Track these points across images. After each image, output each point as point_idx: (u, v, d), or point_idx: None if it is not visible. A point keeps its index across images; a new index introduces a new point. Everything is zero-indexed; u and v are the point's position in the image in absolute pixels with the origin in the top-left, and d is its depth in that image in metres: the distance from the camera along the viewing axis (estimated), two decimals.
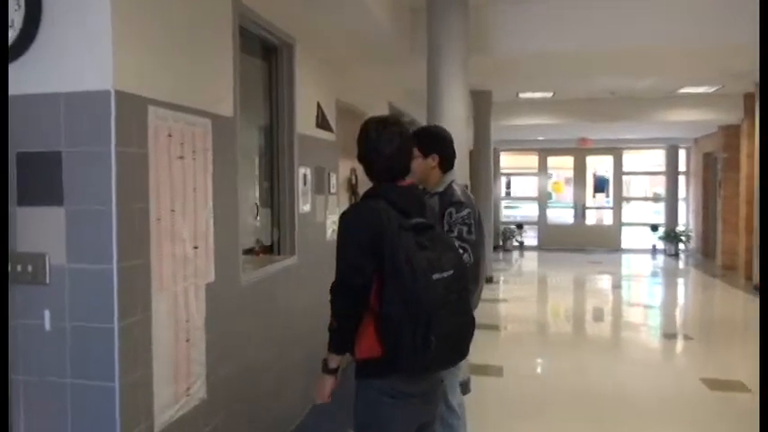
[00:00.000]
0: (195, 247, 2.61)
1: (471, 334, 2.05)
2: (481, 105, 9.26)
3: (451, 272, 1.92)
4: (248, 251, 3.74)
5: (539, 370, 5.38)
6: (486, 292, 8.80)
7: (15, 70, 2.14)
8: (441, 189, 2.65)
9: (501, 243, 14.23)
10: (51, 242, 2.14)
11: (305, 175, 3.98)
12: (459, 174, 4.30)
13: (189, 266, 2.56)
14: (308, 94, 4.10)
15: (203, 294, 2.67)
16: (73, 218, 2.13)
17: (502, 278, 10.35)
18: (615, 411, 4.17)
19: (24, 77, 2.13)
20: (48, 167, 2.13)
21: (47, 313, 2.16)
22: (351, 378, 2.04)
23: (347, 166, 5.20)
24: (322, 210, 4.31)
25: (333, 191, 4.57)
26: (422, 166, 2.65)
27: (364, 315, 1.95)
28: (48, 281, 2.15)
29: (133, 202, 2.19)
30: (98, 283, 2.11)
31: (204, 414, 2.68)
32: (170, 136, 2.41)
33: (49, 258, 2.15)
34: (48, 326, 2.16)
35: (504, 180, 17.61)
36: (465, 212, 2.58)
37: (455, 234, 2.53)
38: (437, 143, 2.64)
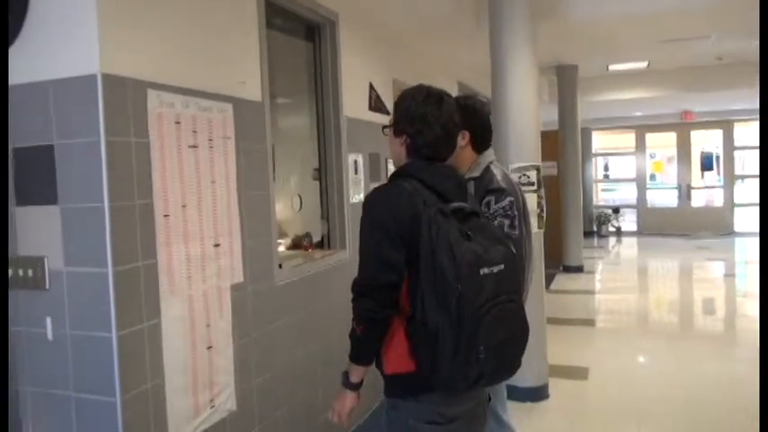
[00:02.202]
0: (216, 245, 2.37)
1: (525, 344, 1.68)
2: (566, 81, 8.53)
3: (502, 266, 1.57)
4: (296, 246, 3.51)
5: (632, 372, 4.76)
6: (577, 282, 8.22)
7: (11, 58, 1.98)
8: (476, 173, 2.19)
9: (595, 229, 13.29)
10: (49, 244, 1.97)
11: (356, 162, 3.68)
12: (530, 156, 3.86)
13: (209, 267, 2.32)
14: (358, 75, 3.78)
15: (228, 297, 2.44)
16: (68, 217, 1.94)
17: (599, 267, 9.59)
18: (724, 421, 3.56)
19: (16, 66, 1.97)
20: (41, 163, 1.96)
21: (48, 321, 2.00)
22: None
23: None
24: None
25: None
26: None
27: (393, 319, 1.62)
28: (48, 286, 1.99)
29: (132, 197, 1.97)
30: (95, 288, 1.91)
31: (234, 427, 2.45)
32: (178, 123, 2.18)
33: (47, 262, 1.98)
34: (50, 334, 2.00)
35: (601, 161, 16.50)
36: (506, 202, 2.12)
37: None
38: (468, 117, 2.14)
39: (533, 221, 3.80)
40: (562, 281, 8.19)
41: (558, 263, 8.78)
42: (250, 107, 2.63)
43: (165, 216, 2.10)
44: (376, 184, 3.93)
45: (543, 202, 3.85)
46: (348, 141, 3.59)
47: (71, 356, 1.97)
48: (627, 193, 15.12)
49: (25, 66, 1.95)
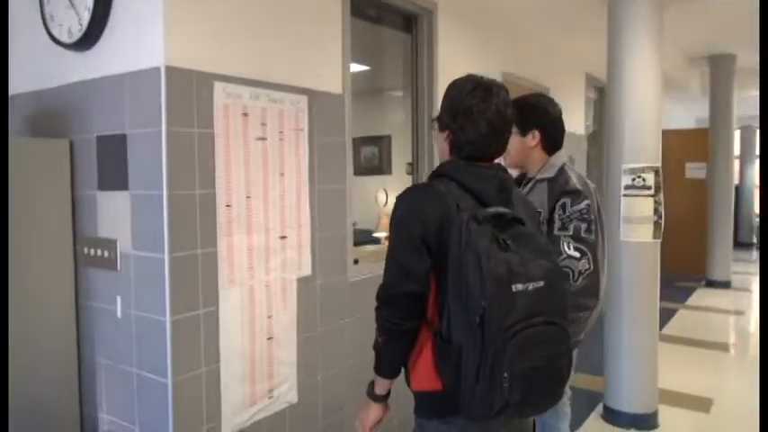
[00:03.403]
0: (282, 237, 2.38)
1: (566, 373, 1.47)
2: (720, 73, 7.57)
3: (541, 283, 1.38)
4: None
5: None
6: (720, 299, 7.31)
7: (94, 54, 2.14)
8: (550, 174, 2.05)
9: (755, 240, 11.77)
10: (121, 228, 2.10)
11: None
12: (649, 157, 3.45)
13: (273, 258, 2.34)
14: (458, 67, 3.58)
15: (294, 289, 2.44)
16: (136, 203, 2.05)
17: (752, 283, 8.45)
18: None
19: (102, 60, 2.11)
20: (116, 150, 2.08)
21: (119, 299, 2.13)
22: None
23: None
24: None
25: None
26: (519, 146, 2.09)
27: (420, 332, 1.50)
28: (118, 267, 2.11)
29: (193, 186, 2.02)
30: (154, 272, 1.99)
31: (294, 420, 2.46)
32: (245, 114, 2.20)
33: (119, 244, 2.10)
34: (119, 312, 2.12)
35: None
36: (583, 205, 1.96)
37: (570, 233, 1.93)
38: (538, 117, 2.07)
39: (649, 229, 3.42)
40: (702, 296, 7.34)
41: (701, 276, 7.89)
42: (329, 99, 2.60)
43: (228, 206, 2.14)
44: None
45: (661, 209, 3.43)
46: None
47: (134, 335, 2.08)
48: None
49: (108, 60, 2.08)
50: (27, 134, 2.38)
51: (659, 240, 3.48)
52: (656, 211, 3.41)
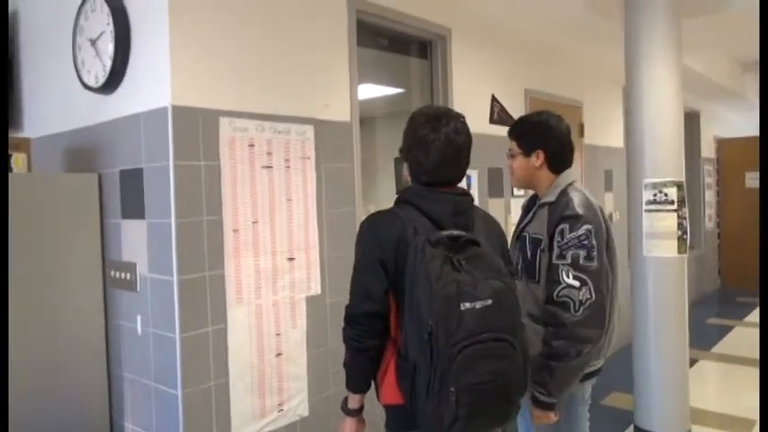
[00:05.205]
0: (290, 259, 2.53)
1: (516, 390, 1.54)
2: None
3: (489, 302, 1.46)
4: None
5: None
6: None
7: (116, 97, 2.38)
8: (551, 198, 1.95)
9: None
10: (139, 252, 2.30)
11: (468, 178, 3.60)
12: (670, 170, 3.40)
13: (281, 279, 2.49)
14: (474, 88, 3.70)
15: (303, 308, 2.58)
16: (151, 230, 2.25)
17: None
18: None
19: (124, 102, 2.34)
20: (135, 183, 2.29)
21: (138, 318, 2.33)
22: None
23: None
24: (499, 215, 3.83)
25: (519, 193, 4.04)
26: (524, 167, 2.03)
27: (385, 349, 1.61)
28: (138, 288, 2.32)
29: (200, 214, 2.20)
30: (166, 293, 2.18)
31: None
32: (252, 146, 2.38)
33: (138, 267, 2.31)
34: (139, 330, 2.33)
35: None
36: (582, 230, 1.84)
37: (568, 261, 1.83)
38: (540, 135, 1.99)
39: (673, 244, 3.36)
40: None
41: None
42: (336, 128, 2.75)
43: (235, 231, 2.31)
44: (498, 200, 3.85)
45: (686, 224, 3.36)
46: None
47: (152, 351, 2.27)
48: None
49: (127, 102, 2.32)
50: (62, 169, 2.65)
51: (685, 256, 3.41)
52: (680, 226, 3.35)
